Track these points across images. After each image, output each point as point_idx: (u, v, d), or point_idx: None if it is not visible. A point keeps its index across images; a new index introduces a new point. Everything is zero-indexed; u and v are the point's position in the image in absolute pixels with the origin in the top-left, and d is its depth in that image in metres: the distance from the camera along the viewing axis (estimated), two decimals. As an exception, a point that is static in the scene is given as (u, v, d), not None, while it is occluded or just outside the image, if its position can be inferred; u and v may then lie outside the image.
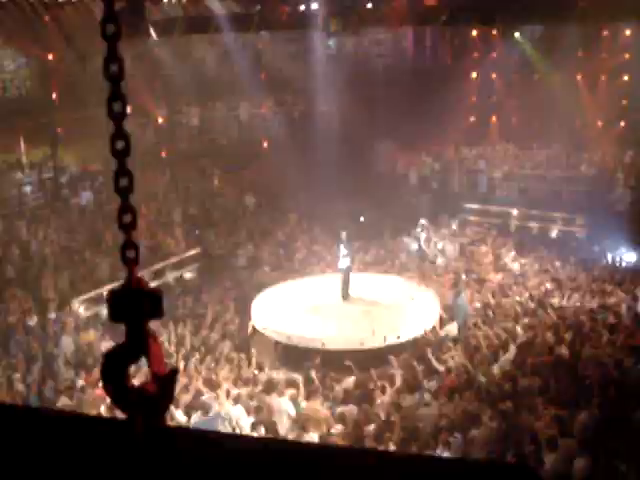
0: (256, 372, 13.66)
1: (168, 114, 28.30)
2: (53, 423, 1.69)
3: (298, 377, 13.07)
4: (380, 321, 15.92)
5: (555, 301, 16.99)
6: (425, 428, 10.90)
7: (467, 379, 12.72)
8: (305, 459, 1.48)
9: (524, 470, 1.39)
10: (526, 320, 15.79)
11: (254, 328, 16.38)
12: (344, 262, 17.59)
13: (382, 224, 24.32)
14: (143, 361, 1.62)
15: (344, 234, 18.07)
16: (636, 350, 13.57)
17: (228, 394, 11.90)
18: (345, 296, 17.57)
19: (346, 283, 17.62)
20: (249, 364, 14.04)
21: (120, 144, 1.58)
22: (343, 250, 17.63)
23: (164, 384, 1.56)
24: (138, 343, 1.56)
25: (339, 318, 16.35)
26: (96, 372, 13.76)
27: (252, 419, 11.23)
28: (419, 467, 1.40)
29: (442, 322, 16.39)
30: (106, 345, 15.26)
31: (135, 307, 1.55)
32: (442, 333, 15.68)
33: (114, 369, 1.56)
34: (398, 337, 14.80)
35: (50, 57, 24.18)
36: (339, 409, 11.72)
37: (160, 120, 27.76)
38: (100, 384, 12.70)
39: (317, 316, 16.29)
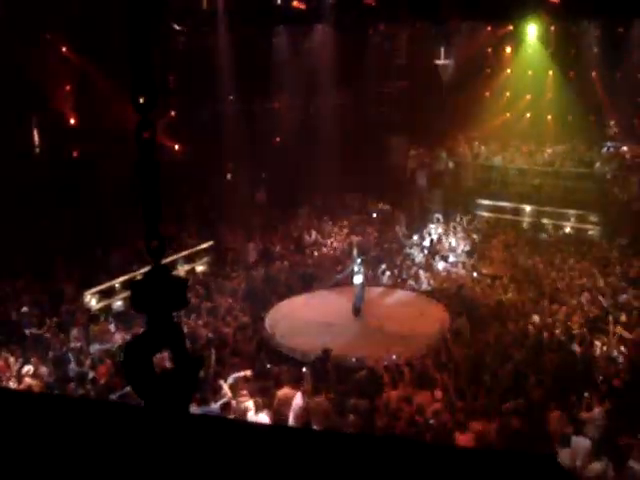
0: (268, 366, 13.69)
1: (180, 107, 28.28)
2: (74, 409, 1.70)
3: (307, 371, 13.10)
4: (391, 337, 15.84)
5: (567, 299, 16.95)
6: (436, 423, 10.92)
7: (477, 376, 12.74)
8: (318, 445, 1.49)
9: (549, 460, 1.40)
10: (538, 317, 15.78)
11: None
12: (357, 278, 17.56)
13: (394, 219, 24.34)
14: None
15: (357, 251, 18.13)
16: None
17: (240, 387, 11.93)
18: (357, 312, 17.55)
19: (359, 299, 17.60)
20: (260, 357, 14.11)
21: (146, 135, 1.59)
22: (356, 267, 17.61)
23: (189, 372, 1.57)
24: (163, 333, 1.56)
25: (351, 334, 16.29)
26: (107, 363, 13.85)
27: (262, 412, 11.27)
28: (445, 457, 1.40)
29: (452, 321, 16.38)
30: (118, 337, 15.38)
31: (160, 297, 1.55)
32: (452, 330, 15.69)
33: (138, 358, 1.56)
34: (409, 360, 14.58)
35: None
36: (350, 402, 11.75)
37: (172, 113, 27.77)
38: (114, 373, 12.80)
39: (330, 332, 16.18)
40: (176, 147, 27.36)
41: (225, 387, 11.83)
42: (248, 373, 12.64)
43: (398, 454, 1.41)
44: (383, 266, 20.30)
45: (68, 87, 24.07)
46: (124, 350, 1.60)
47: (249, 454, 1.46)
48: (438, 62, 29.02)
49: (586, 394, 11.54)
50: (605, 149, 26.22)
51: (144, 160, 1.62)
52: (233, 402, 11.38)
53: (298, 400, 11.63)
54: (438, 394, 11.99)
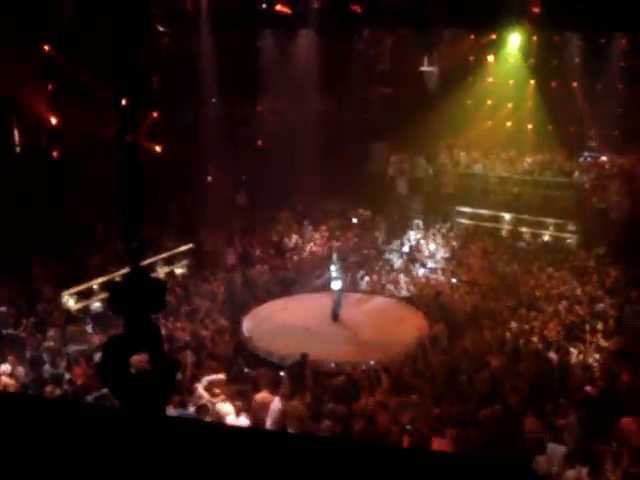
0: (245, 369, 13.67)
1: (163, 109, 28.15)
2: (51, 410, 1.70)
3: (284, 375, 13.10)
4: (370, 343, 15.83)
5: (544, 306, 17.06)
6: (413, 429, 10.94)
7: (454, 383, 12.80)
8: (293, 447, 1.50)
9: (519, 464, 1.41)
10: (515, 324, 15.86)
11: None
12: (336, 284, 17.55)
13: (374, 224, 24.39)
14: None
15: (336, 256, 18.11)
16: (623, 356, 13.67)
17: (217, 391, 11.90)
18: (335, 317, 17.55)
19: (337, 305, 17.60)
20: (238, 361, 14.08)
21: (130, 137, 1.60)
22: (335, 272, 17.59)
23: (166, 375, 1.58)
24: (140, 335, 1.57)
25: (329, 339, 16.27)
26: (83, 365, 13.76)
27: (241, 416, 11.25)
28: (416, 461, 1.42)
29: (430, 328, 16.41)
30: (95, 338, 15.30)
31: (138, 299, 1.56)
32: (430, 336, 15.73)
33: (115, 359, 1.57)
34: (386, 366, 14.55)
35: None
36: (327, 406, 11.75)
37: (155, 115, 27.65)
38: (90, 375, 12.72)
39: (308, 337, 16.15)
40: (158, 148, 27.25)
41: (200, 390, 11.80)
42: (221, 376, 12.59)
43: (370, 457, 1.43)
44: (362, 272, 20.33)
45: (50, 86, 23.92)
46: (101, 351, 1.60)
47: (225, 457, 1.47)
48: (423, 69, 29.12)
49: (562, 401, 11.62)
50: (584, 159, 26.42)
51: (126, 162, 1.62)
52: (210, 405, 11.35)
53: (276, 404, 11.63)
54: (415, 400, 12.03)
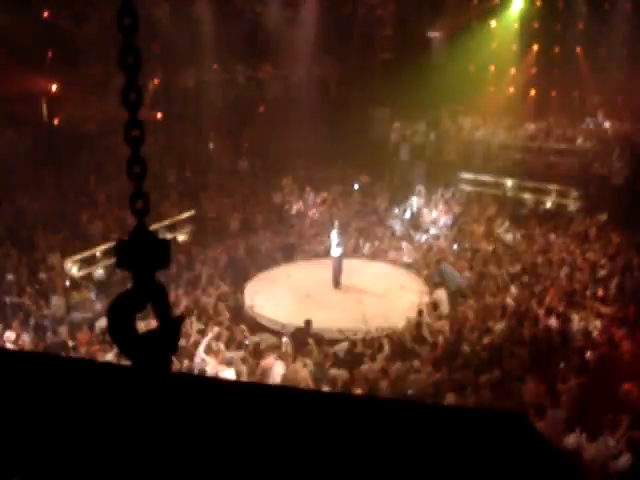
0: (248, 336, 13.71)
1: (163, 75, 27.99)
2: (63, 368, 1.72)
3: (287, 341, 13.15)
4: (371, 310, 15.85)
5: (546, 273, 17.06)
6: (414, 394, 11.01)
7: (453, 349, 12.85)
8: (298, 402, 1.52)
9: (518, 418, 1.43)
10: (517, 291, 15.88)
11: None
12: (336, 250, 17.57)
13: (376, 191, 24.35)
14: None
15: (337, 222, 18.10)
16: (623, 322, 13.70)
17: (220, 357, 11.97)
18: (337, 284, 17.58)
19: (338, 271, 17.61)
20: (240, 327, 14.12)
21: (132, 96, 1.61)
22: (335, 239, 17.60)
23: (171, 330, 1.60)
24: (147, 290, 1.59)
25: (331, 306, 16.28)
26: (87, 332, 13.83)
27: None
28: (415, 413, 1.44)
29: (432, 294, 16.43)
30: (99, 305, 15.35)
31: (145, 255, 1.58)
32: (431, 303, 15.74)
33: (122, 316, 1.59)
34: (388, 333, 14.59)
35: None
36: (330, 372, 11.83)
37: (156, 81, 27.50)
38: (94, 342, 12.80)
39: (309, 304, 16.15)
40: (159, 115, 27.15)
41: (201, 353, 11.87)
42: (218, 335, 12.67)
43: (370, 410, 1.45)
44: (364, 238, 20.33)
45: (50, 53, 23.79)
46: (109, 307, 1.62)
47: (235, 412, 1.49)
48: (430, 34, 28.86)
49: (562, 366, 11.68)
50: (586, 125, 26.30)
51: (130, 121, 1.63)
52: (212, 371, 11.42)
53: (278, 370, 11.71)
54: (416, 366, 12.09)
